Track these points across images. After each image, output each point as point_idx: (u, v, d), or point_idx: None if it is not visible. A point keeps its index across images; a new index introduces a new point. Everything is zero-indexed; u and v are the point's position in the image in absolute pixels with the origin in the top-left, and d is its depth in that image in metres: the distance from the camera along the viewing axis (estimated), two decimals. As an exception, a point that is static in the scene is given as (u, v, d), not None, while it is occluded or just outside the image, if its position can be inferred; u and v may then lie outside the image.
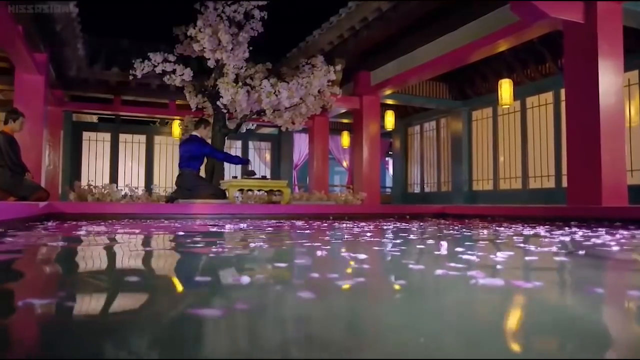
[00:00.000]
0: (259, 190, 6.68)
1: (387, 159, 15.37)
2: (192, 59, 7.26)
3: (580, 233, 2.82)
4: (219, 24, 6.60)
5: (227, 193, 6.30)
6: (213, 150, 6.56)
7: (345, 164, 13.60)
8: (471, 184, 9.63)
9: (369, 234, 2.92)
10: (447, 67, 7.14)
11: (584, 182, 4.88)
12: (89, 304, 0.96)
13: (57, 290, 1.10)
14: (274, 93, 6.73)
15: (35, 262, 1.68)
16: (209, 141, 7.08)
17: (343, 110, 9.27)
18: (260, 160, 12.72)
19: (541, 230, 3.14)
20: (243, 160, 7.13)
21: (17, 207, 3.86)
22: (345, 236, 2.78)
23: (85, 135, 11.10)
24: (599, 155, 4.73)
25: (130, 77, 7.06)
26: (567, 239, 2.50)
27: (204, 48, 6.62)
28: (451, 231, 3.19)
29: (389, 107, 9.84)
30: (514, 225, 3.82)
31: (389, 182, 15.43)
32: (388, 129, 10.43)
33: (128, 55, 7.81)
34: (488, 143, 9.29)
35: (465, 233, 2.99)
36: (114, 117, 11.01)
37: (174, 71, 6.99)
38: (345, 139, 12.16)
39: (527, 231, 3.09)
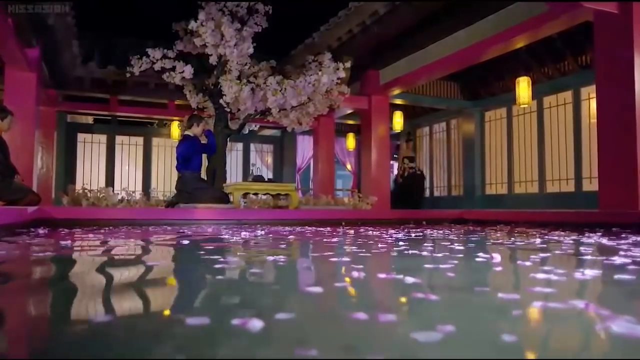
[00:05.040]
0: (264, 195, 6.28)
1: (391, 162, 14.99)
2: (192, 57, 6.86)
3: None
4: (221, 17, 6.22)
5: (230, 197, 5.90)
6: (203, 149, 5.89)
7: (349, 167, 13.23)
8: (484, 187, 9.25)
9: (401, 244, 2.54)
10: (459, 65, 6.80)
11: (618, 184, 4.51)
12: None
13: None
14: (280, 91, 6.35)
15: None
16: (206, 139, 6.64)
17: (349, 111, 8.91)
18: (262, 163, 12.34)
19: (599, 238, 2.75)
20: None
21: (3, 212, 3.46)
22: (378, 247, 2.39)
23: (80, 137, 10.70)
24: (635, 155, 4.37)
25: (128, 75, 6.68)
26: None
27: (205, 43, 6.24)
28: (496, 240, 2.81)
29: (397, 107, 9.47)
30: (556, 232, 3.43)
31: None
32: (396, 131, 10.06)
33: (125, 53, 7.43)
34: (502, 145, 8.91)
35: (515, 242, 2.59)
36: (110, 118, 10.61)
37: (173, 68, 6.63)
38: (350, 141, 11.80)
39: (585, 239, 2.71)
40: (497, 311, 0.96)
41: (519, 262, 1.83)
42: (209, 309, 1.01)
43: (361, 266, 1.65)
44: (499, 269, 1.63)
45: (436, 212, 6.36)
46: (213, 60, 6.38)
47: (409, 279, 1.28)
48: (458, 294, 1.20)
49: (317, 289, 1.16)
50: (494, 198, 8.96)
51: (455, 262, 1.75)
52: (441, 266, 1.64)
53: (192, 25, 6.23)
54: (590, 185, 7.18)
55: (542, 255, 2.01)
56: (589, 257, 1.92)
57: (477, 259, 1.86)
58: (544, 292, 1.11)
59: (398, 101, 8.95)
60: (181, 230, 3.72)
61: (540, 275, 1.34)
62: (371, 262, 1.85)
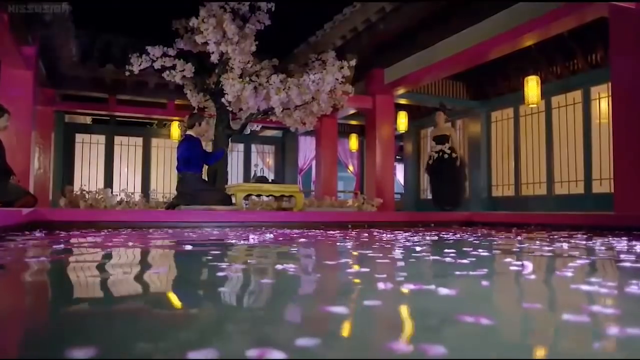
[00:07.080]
0: (267, 196, 6.10)
1: (394, 163, 14.82)
2: (192, 56, 6.68)
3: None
4: (223, 15, 6.05)
5: (233, 199, 5.72)
6: (205, 156, 5.70)
7: (351, 168, 13.06)
8: (490, 189, 9.07)
9: (418, 249, 2.37)
10: (466, 64, 6.63)
11: (635, 185, 4.35)
12: None
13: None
14: (284, 90, 6.18)
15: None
16: (210, 138, 6.46)
17: (352, 111, 8.74)
18: (263, 164, 12.17)
19: (630, 242, 2.58)
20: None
21: (-6, 215, 3.29)
22: (395, 252, 2.22)
23: (79, 137, 10.50)
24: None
25: (127, 74, 6.49)
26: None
27: (207, 41, 6.06)
28: (520, 245, 2.64)
29: (401, 107, 9.30)
30: (578, 236, 3.26)
31: (396, 188, 14.90)
32: (400, 131, 9.88)
33: (124, 51, 7.26)
34: (509, 146, 8.72)
35: (543, 247, 2.42)
36: (108, 118, 10.43)
37: (173, 67, 6.46)
38: (353, 142, 11.63)
39: (615, 243, 2.54)
40: (576, 340, 0.78)
41: (556, 271, 1.67)
42: (212, 338, 0.84)
43: (384, 275, 1.48)
44: (536, 277, 1.47)
45: (444, 214, 6.19)
46: (214, 58, 6.20)
47: (442, 290, 1.11)
48: (511, 313, 1.03)
49: (337, 310, 0.98)
50: (501, 200, 8.78)
51: (485, 270, 1.59)
52: (471, 273, 1.47)
53: (194, 22, 6.06)
54: (601, 187, 7.01)
55: (578, 262, 1.84)
56: (628, 264, 1.75)
57: (509, 267, 1.71)
58: (608, 313, 0.93)
59: (402, 101, 8.79)
60: (188, 234, 3.55)
61: (587, 287, 1.18)
62: (392, 269, 1.68)
